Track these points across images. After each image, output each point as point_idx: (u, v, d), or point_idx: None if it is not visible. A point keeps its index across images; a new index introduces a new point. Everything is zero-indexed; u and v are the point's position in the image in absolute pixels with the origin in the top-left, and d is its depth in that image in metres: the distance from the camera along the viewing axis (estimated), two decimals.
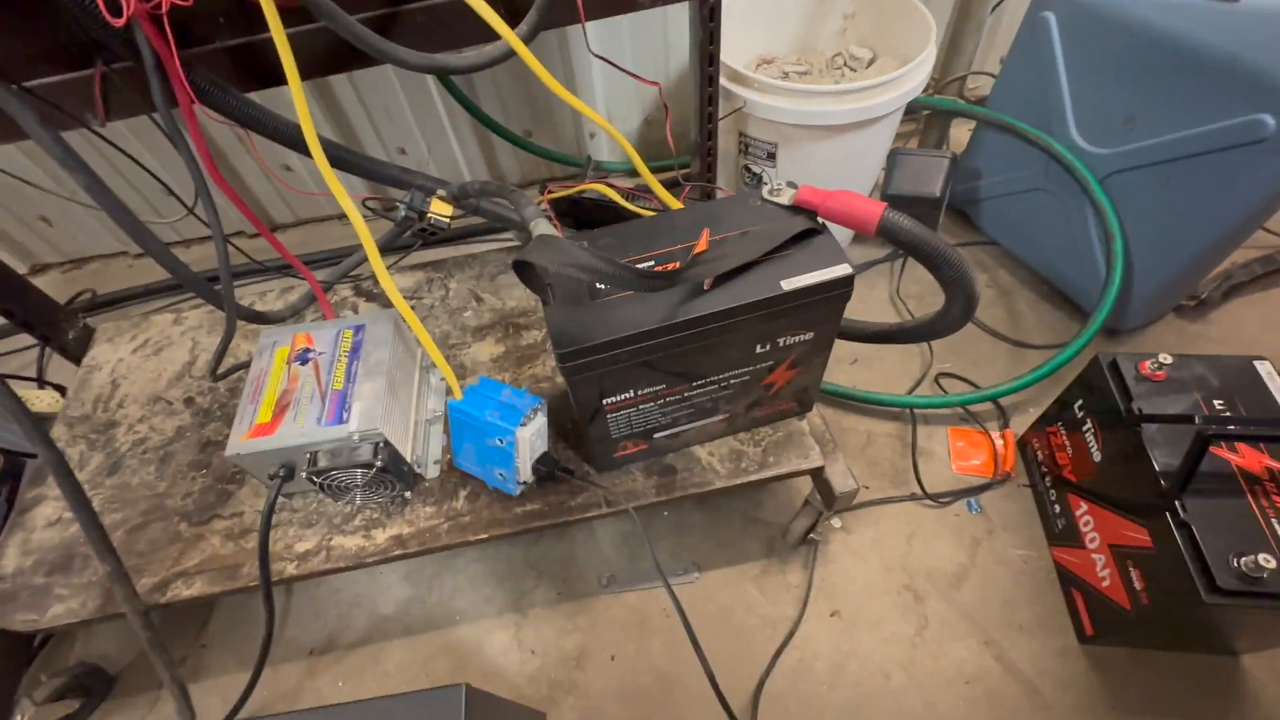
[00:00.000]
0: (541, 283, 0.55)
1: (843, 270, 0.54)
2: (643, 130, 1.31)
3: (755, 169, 1.01)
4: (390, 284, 0.59)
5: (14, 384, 0.76)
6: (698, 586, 0.81)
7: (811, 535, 0.79)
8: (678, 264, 0.55)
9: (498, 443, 0.64)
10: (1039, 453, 0.84)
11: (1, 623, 0.68)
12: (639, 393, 0.60)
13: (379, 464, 0.63)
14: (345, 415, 0.65)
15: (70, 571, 0.71)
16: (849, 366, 0.97)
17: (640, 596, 0.81)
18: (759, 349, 0.60)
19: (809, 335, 0.61)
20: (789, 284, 0.54)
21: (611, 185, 0.78)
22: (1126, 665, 0.72)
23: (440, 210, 0.62)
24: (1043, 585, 0.78)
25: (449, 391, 0.65)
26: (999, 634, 0.75)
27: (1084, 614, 0.73)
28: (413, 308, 0.84)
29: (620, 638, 0.79)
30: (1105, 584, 0.69)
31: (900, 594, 0.79)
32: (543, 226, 0.56)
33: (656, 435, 0.68)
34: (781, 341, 0.60)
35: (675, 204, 0.74)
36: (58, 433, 0.83)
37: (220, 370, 0.77)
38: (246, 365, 0.80)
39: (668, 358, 0.57)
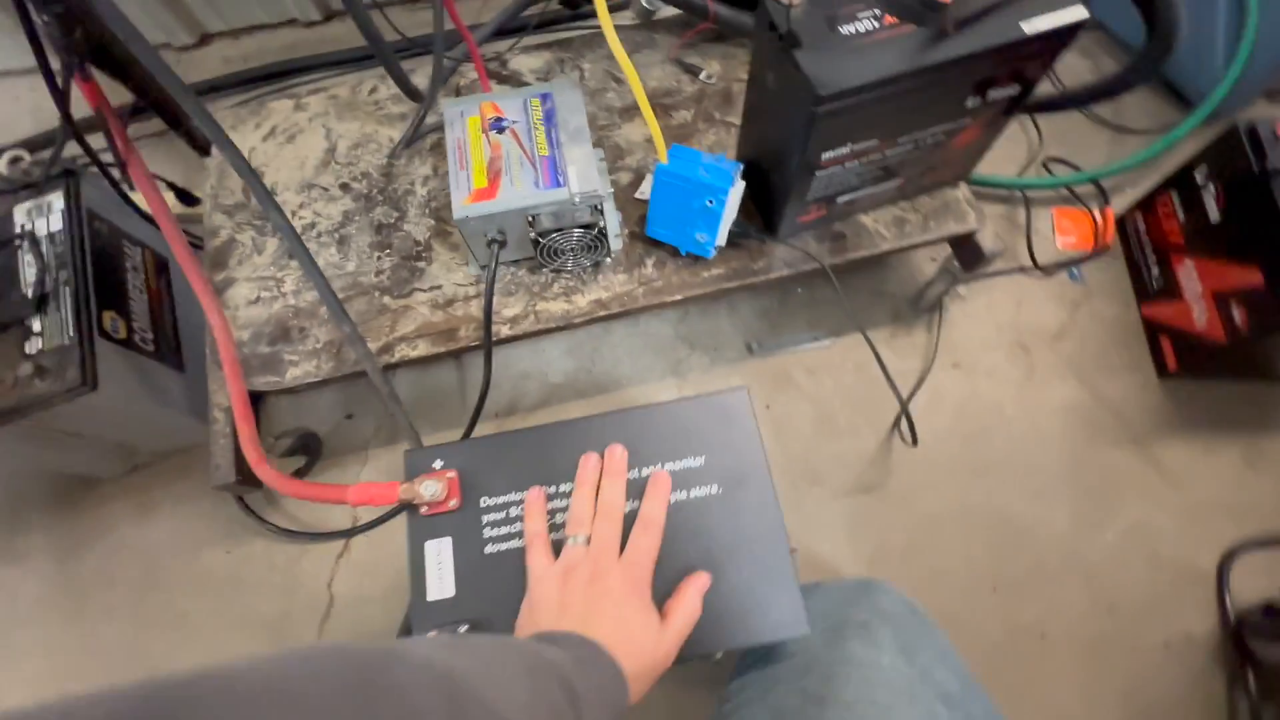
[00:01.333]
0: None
1: (1079, 14, 0.57)
2: None
3: None
4: (613, 35, 0.59)
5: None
6: (833, 350, 0.92)
7: (944, 297, 0.89)
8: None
9: (707, 203, 0.68)
10: (1140, 225, 0.93)
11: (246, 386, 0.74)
12: (853, 148, 0.64)
13: (601, 224, 0.68)
14: (561, 179, 0.68)
15: (291, 341, 0.76)
16: None
17: (784, 359, 0.92)
18: (969, 102, 0.64)
19: (1015, 90, 0.64)
20: (1029, 27, 0.56)
21: None
22: (1196, 393, 0.88)
23: None
24: (1130, 336, 0.92)
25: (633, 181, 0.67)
26: (1092, 374, 0.89)
27: (1169, 354, 0.87)
28: None
29: (771, 389, 0.90)
30: (1200, 325, 0.82)
31: (1011, 348, 0.91)
32: None
33: (839, 199, 0.74)
34: (989, 96, 0.64)
35: None
36: (218, 221, 0.83)
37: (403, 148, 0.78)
38: (423, 136, 0.81)
39: (897, 109, 0.60)
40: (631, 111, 0.87)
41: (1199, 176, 0.82)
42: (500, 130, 0.70)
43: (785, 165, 0.66)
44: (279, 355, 0.76)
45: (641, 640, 0.45)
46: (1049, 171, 1.00)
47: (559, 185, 0.67)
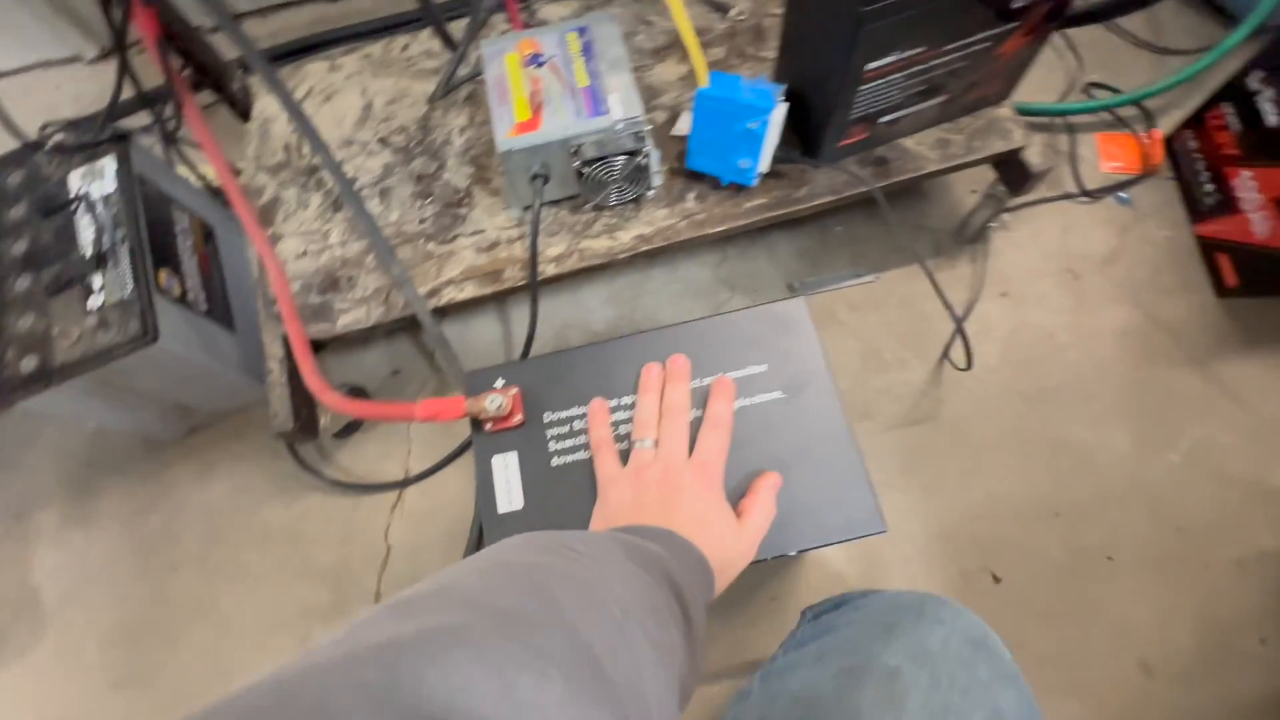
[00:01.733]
0: None
1: None
2: None
3: None
4: None
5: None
6: (877, 285, 0.91)
7: (989, 225, 0.87)
8: None
9: (750, 125, 0.68)
10: (1191, 143, 0.90)
11: None
12: (899, 56, 0.63)
13: (645, 149, 0.68)
14: (603, 108, 0.68)
15: (340, 290, 0.77)
16: None
17: (826, 297, 0.91)
18: (1016, 2, 0.62)
19: None
20: None
21: None
22: (1258, 311, 0.85)
23: None
24: (1184, 257, 0.89)
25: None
26: (1147, 297, 0.87)
27: (1227, 270, 0.84)
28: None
29: (817, 324, 0.89)
30: (1261, 235, 0.79)
31: (1060, 275, 0.89)
32: None
33: (881, 120, 0.73)
34: None
35: None
36: (262, 181, 0.84)
37: (442, 93, 0.78)
38: (458, 86, 0.81)
39: (944, 10, 0.59)
40: (663, 52, 0.86)
41: (1253, 82, 0.80)
42: (539, 65, 0.70)
43: (828, 81, 0.66)
44: (329, 304, 0.77)
45: (721, 534, 0.45)
46: (1090, 97, 0.98)
47: (602, 114, 0.67)
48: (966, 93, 0.74)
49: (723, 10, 0.88)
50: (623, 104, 0.67)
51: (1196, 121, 0.89)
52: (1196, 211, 0.90)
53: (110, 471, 0.90)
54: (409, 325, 0.92)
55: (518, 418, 0.54)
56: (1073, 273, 0.89)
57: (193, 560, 0.85)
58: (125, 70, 0.75)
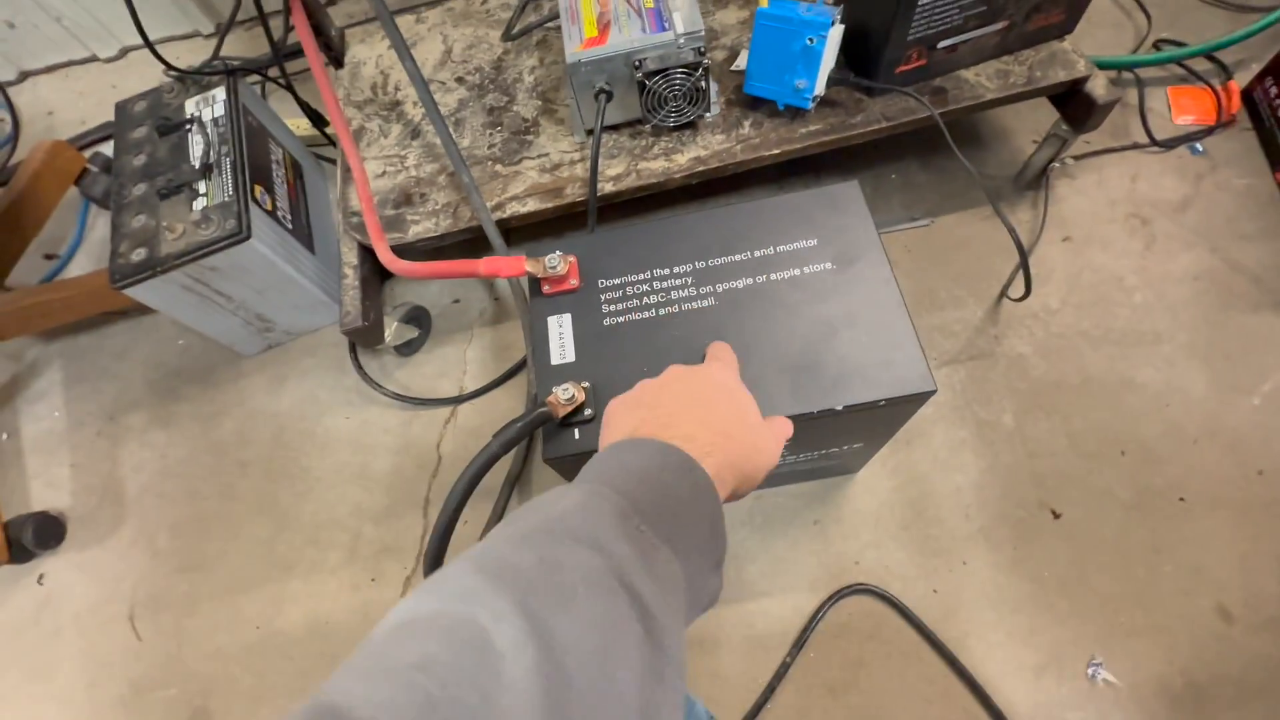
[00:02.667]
0: None
1: None
2: None
3: None
4: None
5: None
6: (934, 229, 0.90)
7: (1052, 164, 0.86)
8: None
9: (808, 41, 0.70)
10: (1272, 91, 0.87)
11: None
12: None
13: (705, 62, 0.71)
14: (666, 25, 0.71)
15: (413, 205, 0.83)
16: None
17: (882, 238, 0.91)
18: None
19: None
20: None
21: None
22: None
23: None
24: (1266, 204, 0.85)
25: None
26: (1224, 243, 0.84)
27: None
28: None
29: None
30: None
31: (1128, 220, 0.87)
32: None
33: (939, 45, 0.74)
34: None
35: None
36: (350, 113, 0.92)
37: (515, 31, 0.84)
38: (532, 28, 0.88)
39: None
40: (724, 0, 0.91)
41: None
42: None
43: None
44: (403, 216, 0.82)
45: (741, 427, 0.38)
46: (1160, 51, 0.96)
47: (664, 30, 0.71)
48: (1028, 20, 0.74)
49: None
50: (684, 20, 0.71)
51: (1276, 70, 0.86)
52: (1277, 160, 0.86)
53: (193, 381, 0.97)
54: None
55: (573, 282, 0.57)
56: (1141, 219, 0.87)
57: (259, 461, 0.90)
58: (266, 27, 0.84)
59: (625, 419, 0.37)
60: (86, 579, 0.86)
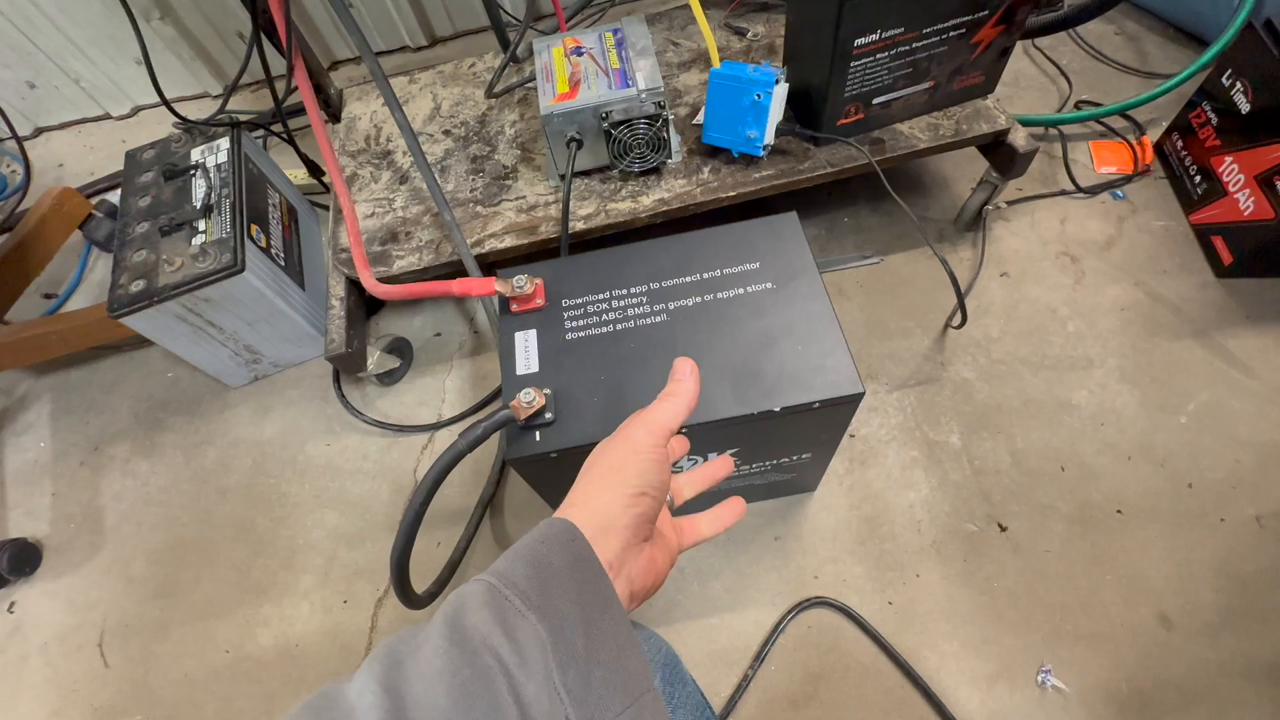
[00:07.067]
0: None
1: None
2: None
3: None
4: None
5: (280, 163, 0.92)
6: (884, 266, 0.98)
7: (987, 207, 0.94)
8: None
9: (756, 97, 0.79)
10: (1177, 143, 0.97)
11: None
12: (883, 34, 0.74)
13: (665, 114, 0.79)
14: (629, 82, 0.80)
15: (399, 242, 0.89)
16: None
17: (835, 275, 0.98)
18: None
19: None
20: None
21: None
22: (1258, 290, 0.87)
23: None
24: (1182, 243, 0.93)
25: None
26: (1146, 276, 0.91)
27: (1223, 250, 0.88)
28: None
29: None
30: (1248, 212, 0.84)
31: (1059, 257, 0.95)
32: None
33: (875, 100, 0.83)
34: None
35: None
36: (344, 161, 1.00)
37: (497, 90, 0.93)
38: (514, 88, 0.97)
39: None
40: (688, 64, 1.01)
41: (1225, 81, 0.87)
42: (579, 54, 0.84)
43: (822, 58, 0.77)
44: (388, 252, 0.88)
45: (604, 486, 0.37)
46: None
47: (628, 86, 0.80)
48: (951, 80, 0.84)
49: (741, 33, 1.02)
50: (646, 78, 0.80)
51: (1181, 124, 0.97)
52: (1189, 204, 0.95)
53: (180, 412, 1.00)
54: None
55: (539, 301, 0.62)
56: (1071, 256, 0.94)
57: (239, 489, 0.92)
58: (272, 87, 0.92)
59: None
60: (58, 606, 0.87)
